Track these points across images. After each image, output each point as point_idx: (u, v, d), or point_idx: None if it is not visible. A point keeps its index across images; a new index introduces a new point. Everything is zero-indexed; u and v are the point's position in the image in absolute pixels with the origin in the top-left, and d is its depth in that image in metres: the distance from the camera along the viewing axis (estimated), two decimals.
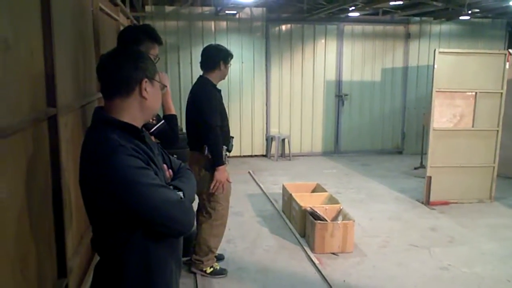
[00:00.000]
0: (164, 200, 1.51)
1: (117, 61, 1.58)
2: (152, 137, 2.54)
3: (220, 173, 3.73)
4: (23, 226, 1.74)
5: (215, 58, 3.79)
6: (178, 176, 1.79)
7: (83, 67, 2.91)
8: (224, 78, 3.95)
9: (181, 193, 1.62)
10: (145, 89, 1.59)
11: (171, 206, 1.53)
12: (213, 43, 4.19)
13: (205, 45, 4.01)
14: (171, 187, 1.63)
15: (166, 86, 2.52)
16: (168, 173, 1.77)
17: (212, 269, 4.00)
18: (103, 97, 1.63)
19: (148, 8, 8.10)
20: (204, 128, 3.69)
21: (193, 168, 3.74)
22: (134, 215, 1.49)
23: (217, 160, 3.71)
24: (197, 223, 3.91)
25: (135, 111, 1.60)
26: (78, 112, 2.81)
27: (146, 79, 1.59)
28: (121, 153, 1.46)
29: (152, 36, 2.71)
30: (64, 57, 2.41)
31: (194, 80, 3.96)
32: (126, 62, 1.57)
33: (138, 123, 1.63)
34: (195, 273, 3.99)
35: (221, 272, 4.03)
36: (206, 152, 3.73)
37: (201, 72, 3.87)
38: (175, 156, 1.93)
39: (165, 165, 1.77)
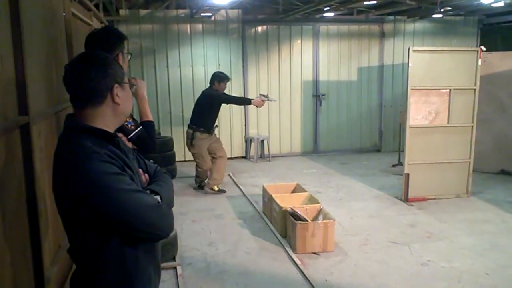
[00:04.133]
0: (141, 205, 1.49)
1: (85, 70, 1.52)
2: (130, 143, 2.51)
3: (255, 102, 6.41)
4: None
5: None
6: (154, 180, 1.76)
7: (56, 73, 2.86)
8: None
9: (158, 197, 1.60)
10: (117, 95, 1.56)
11: (148, 211, 1.51)
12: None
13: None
14: (147, 191, 1.61)
15: (134, 85, 2.47)
16: (144, 177, 1.74)
17: (218, 188, 6.55)
18: (73, 107, 1.57)
19: (122, 12, 8.01)
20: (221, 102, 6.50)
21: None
22: (111, 222, 1.47)
23: (247, 101, 6.67)
24: (214, 163, 6.52)
25: (108, 117, 1.57)
26: (52, 119, 2.77)
27: (116, 85, 1.56)
28: (95, 159, 1.43)
29: (122, 37, 2.64)
30: (36, 64, 2.37)
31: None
32: (94, 70, 1.51)
33: (111, 128, 1.59)
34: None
35: (223, 191, 6.57)
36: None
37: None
38: (151, 160, 1.91)
39: (140, 170, 1.74)
